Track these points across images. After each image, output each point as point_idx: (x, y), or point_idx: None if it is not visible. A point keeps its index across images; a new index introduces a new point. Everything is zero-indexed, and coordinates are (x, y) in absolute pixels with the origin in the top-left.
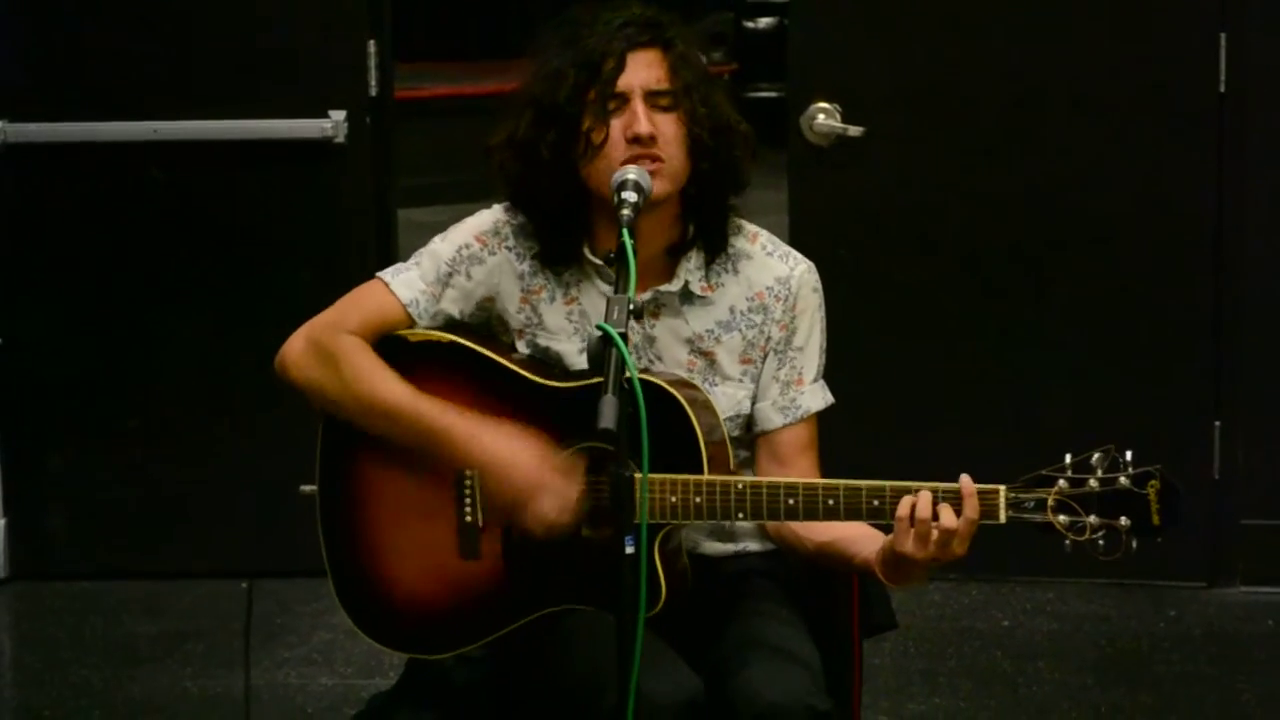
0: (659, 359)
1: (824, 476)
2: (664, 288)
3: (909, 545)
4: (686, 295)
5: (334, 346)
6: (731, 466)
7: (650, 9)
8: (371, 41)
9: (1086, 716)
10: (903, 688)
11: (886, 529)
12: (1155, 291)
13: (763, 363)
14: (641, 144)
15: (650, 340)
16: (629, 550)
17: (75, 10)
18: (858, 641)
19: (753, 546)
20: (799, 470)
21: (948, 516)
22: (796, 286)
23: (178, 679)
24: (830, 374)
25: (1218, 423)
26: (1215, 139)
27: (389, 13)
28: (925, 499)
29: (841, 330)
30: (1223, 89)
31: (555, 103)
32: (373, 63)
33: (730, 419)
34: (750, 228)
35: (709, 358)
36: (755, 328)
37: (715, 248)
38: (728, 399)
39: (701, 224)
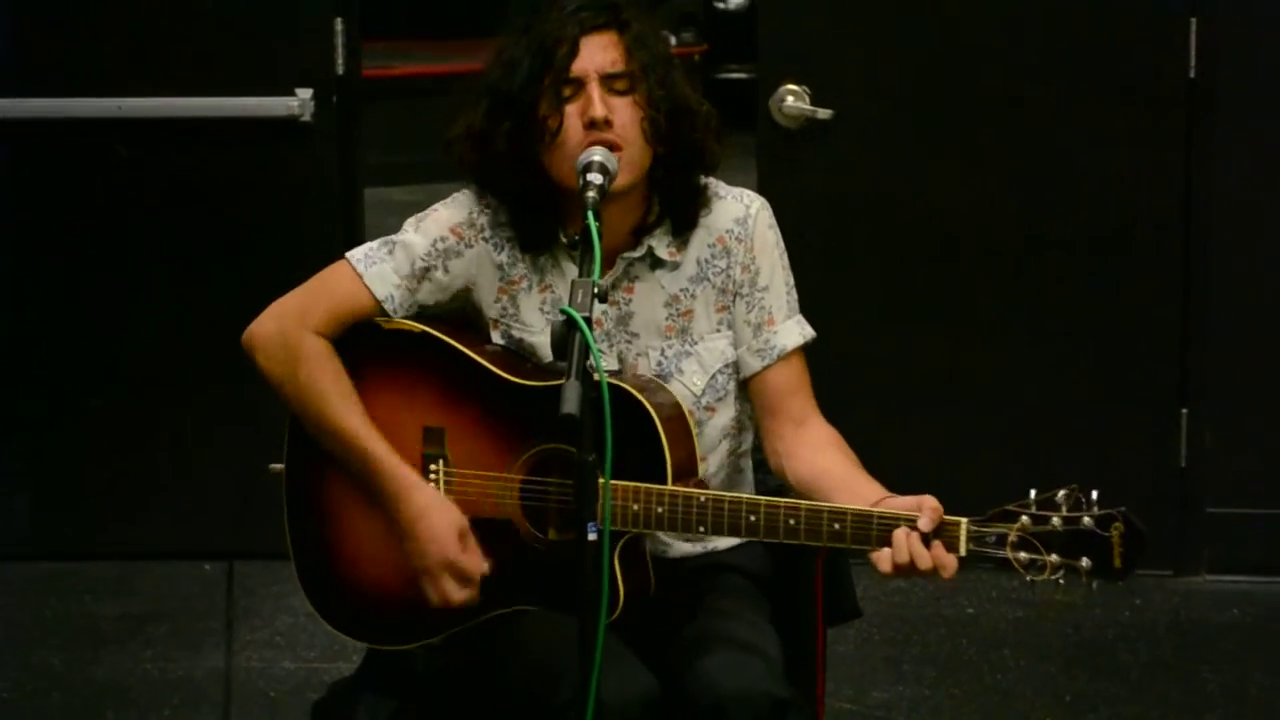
0: (636, 336)
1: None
2: (627, 253)
3: (884, 569)
4: (656, 261)
5: (299, 347)
6: (699, 474)
7: None
8: (338, 19)
9: (1051, 704)
10: (867, 676)
11: (844, 552)
12: (1123, 278)
13: (734, 306)
14: (598, 128)
15: (626, 319)
16: (591, 536)
17: None
18: (821, 630)
19: (720, 545)
20: (793, 416)
21: (924, 561)
22: (753, 226)
23: (139, 661)
24: None
25: (1184, 411)
26: (1185, 125)
27: None
28: (921, 558)
29: (807, 314)
30: (1192, 75)
31: (510, 91)
32: (340, 41)
33: (722, 370)
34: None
35: (688, 316)
36: (722, 273)
37: (684, 225)
38: (712, 352)
39: (668, 203)
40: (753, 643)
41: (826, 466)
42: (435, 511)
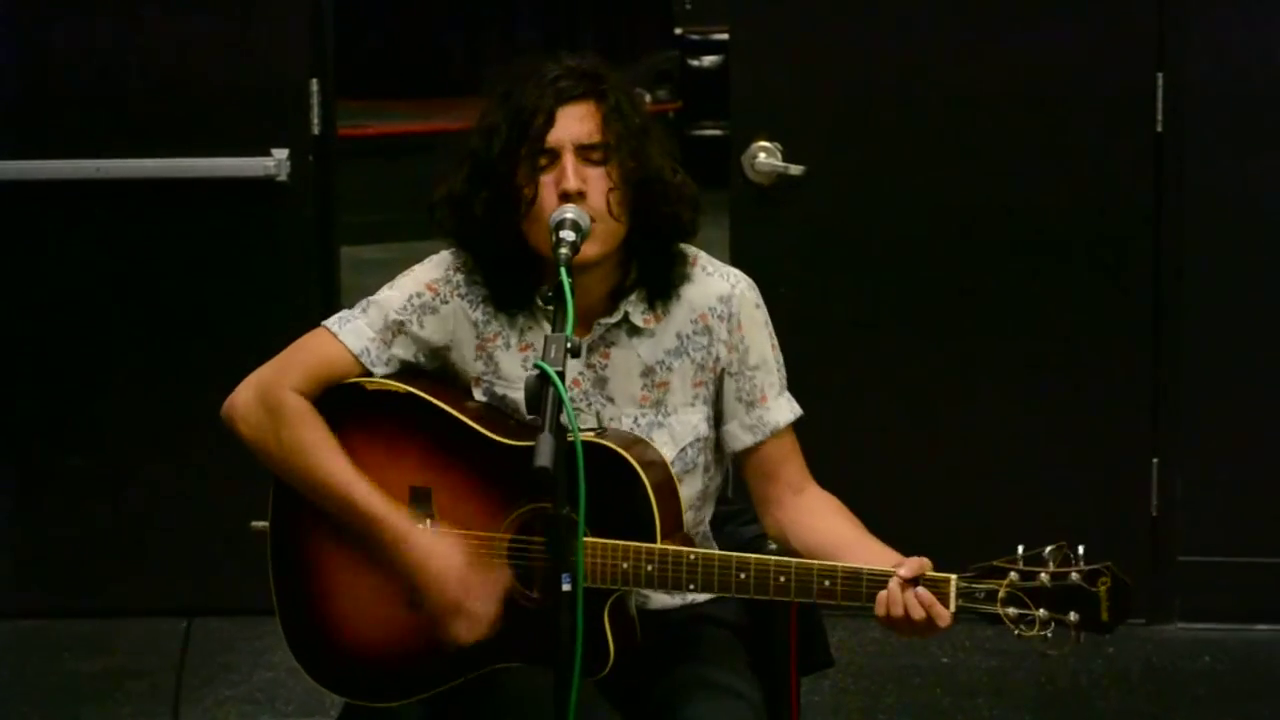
0: (611, 400)
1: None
2: (603, 319)
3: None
4: (633, 329)
5: (279, 408)
6: (685, 529)
7: (588, 60)
8: (314, 80)
9: None
10: None
11: (835, 609)
12: (1094, 328)
13: (714, 384)
14: (571, 200)
15: (602, 382)
16: (565, 588)
17: (16, 48)
18: (795, 679)
19: (700, 596)
20: (791, 484)
21: (917, 611)
22: (738, 305)
23: (119, 718)
24: None
25: (1155, 460)
26: (1152, 178)
27: (332, 51)
28: (914, 605)
29: None
30: (1160, 128)
31: (489, 159)
32: (315, 101)
33: (692, 444)
34: (689, 251)
35: (663, 388)
36: (702, 349)
37: (658, 291)
38: (684, 426)
39: (644, 270)
40: (737, 688)
41: (835, 530)
42: (438, 555)
